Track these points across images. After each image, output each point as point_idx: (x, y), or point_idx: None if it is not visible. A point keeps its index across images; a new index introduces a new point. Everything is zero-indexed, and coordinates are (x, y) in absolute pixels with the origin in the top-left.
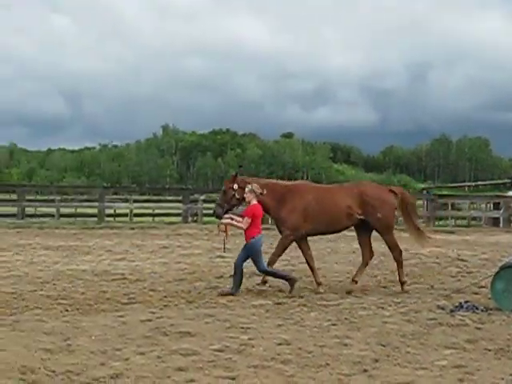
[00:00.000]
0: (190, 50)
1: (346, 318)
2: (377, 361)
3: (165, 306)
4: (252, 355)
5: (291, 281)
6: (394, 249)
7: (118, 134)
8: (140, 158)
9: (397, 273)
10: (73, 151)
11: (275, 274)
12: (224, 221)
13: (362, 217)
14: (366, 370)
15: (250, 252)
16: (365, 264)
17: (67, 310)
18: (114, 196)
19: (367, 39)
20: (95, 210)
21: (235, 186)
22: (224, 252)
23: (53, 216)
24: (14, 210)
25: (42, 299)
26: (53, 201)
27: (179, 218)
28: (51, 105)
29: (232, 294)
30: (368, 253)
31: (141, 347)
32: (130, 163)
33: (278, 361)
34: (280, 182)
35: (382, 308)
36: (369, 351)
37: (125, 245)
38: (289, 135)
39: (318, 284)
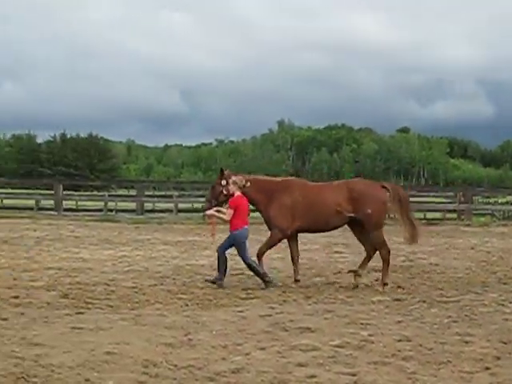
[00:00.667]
0: (306, 44)
1: (466, 315)
2: (499, 358)
3: (284, 301)
4: (372, 351)
5: (266, 282)
6: (382, 247)
7: (234, 129)
8: (256, 153)
9: (381, 273)
10: (190, 147)
11: (255, 269)
12: (208, 212)
13: (351, 214)
14: (488, 368)
15: (233, 242)
16: (368, 258)
17: (187, 305)
18: None
19: (483, 31)
20: None
21: (223, 182)
22: (212, 241)
23: (171, 211)
24: (132, 205)
25: (163, 294)
26: (171, 196)
27: None
28: (169, 101)
29: (215, 282)
30: (370, 247)
31: (261, 342)
32: (246, 158)
33: (399, 357)
34: (269, 178)
35: (503, 305)
36: (490, 348)
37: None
38: (405, 130)
39: (296, 281)
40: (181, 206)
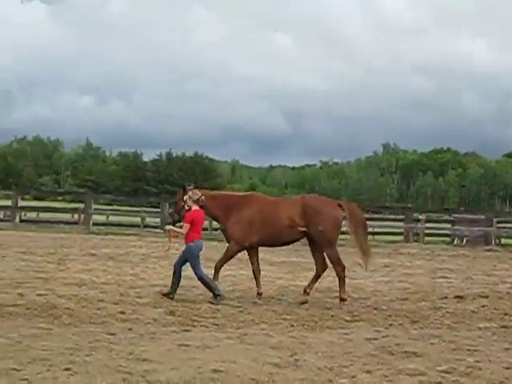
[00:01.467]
0: (411, 66)
1: None
2: None
3: (390, 325)
4: (479, 378)
5: (216, 296)
6: (336, 264)
7: (338, 151)
8: (360, 175)
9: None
10: (293, 168)
11: (206, 282)
12: (168, 227)
13: (304, 229)
14: None
15: (187, 255)
16: (317, 276)
17: (292, 326)
18: None
19: None
20: None
21: (185, 198)
22: (166, 252)
23: None
24: None
25: (268, 314)
26: None
27: (400, 237)
28: (273, 122)
29: (169, 295)
30: (320, 266)
31: (367, 365)
32: (350, 181)
33: None
34: (230, 193)
35: None
36: None
37: (346, 262)
38: (511, 155)
39: (259, 294)
40: None
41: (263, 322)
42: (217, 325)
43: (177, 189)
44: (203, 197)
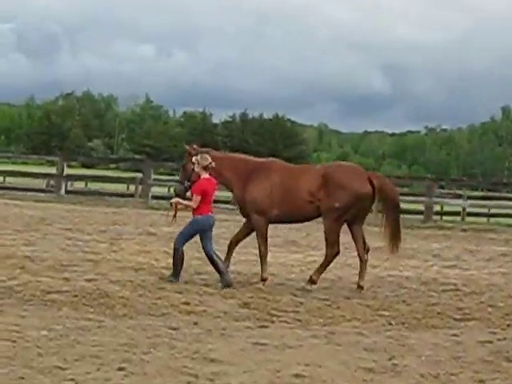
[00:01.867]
0: None
1: None
2: None
3: (508, 325)
4: None
5: (223, 279)
6: (331, 245)
7: (448, 116)
8: (473, 145)
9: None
10: (393, 135)
11: (216, 263)
12: (173, 200)
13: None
14: None
15: (196, 228)
16: (364, 263)
17: (390, 324)
18: (442, 190)
19: None
20: (419, 206)
21: (194, 160)
22: (170, 225)
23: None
24: None
25: (360, 309)
26: None
27: None
28: (368, 79)
29: (171, 280)
30: (361, 248)
31: (479, 373)
32: (461, 151)
33: None
34: (247, 157)
35: None
36: None
37: (455, 249)
38: None
39: (263, 279)
40: None
41: (355, 318)
42: (299, 320)
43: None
44: (213, 162)
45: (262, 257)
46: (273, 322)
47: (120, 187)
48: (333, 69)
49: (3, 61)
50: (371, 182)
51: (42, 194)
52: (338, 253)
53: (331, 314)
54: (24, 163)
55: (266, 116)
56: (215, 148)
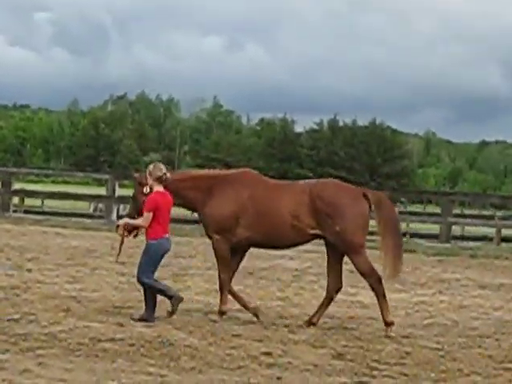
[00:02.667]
0: None
1: None
2: None
3: None
4: None
5: (171, 298)
6: (369, 274)
7: None
8: None
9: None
10: None
11: (155, 288)
12: (120, 222)
13: (315, 231)
14: None
15: (152, 255)
16: (328, 299)
17: None
18: None
19: None
20: None
21: (145, 190)
22: (116, 261)
23: (490, 239)
24: (434, 228)
25: (482, 361)
26: (490, 217)
27: None
28: (486, 79)
29: (147, 320)
30: (333, 283)
31: None
32: None
33: None
34: (213, 171)
35: None
36: None
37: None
38: None
39: (221, 312)
40: (505, 232)
41: (475, 372)
42: (406, 375)
43: (344, 174)
44: (169, 173)
45: (222, 287)
46: (374, 376)
47: (184, 212)
48: (442, 65)
49: (39, 57)
50: (366, 198)
51: (89, 220)
52: (380, 278)
53: (445, 366)
54: (66, 182)
55: (360, 123)
56: (299, 163)
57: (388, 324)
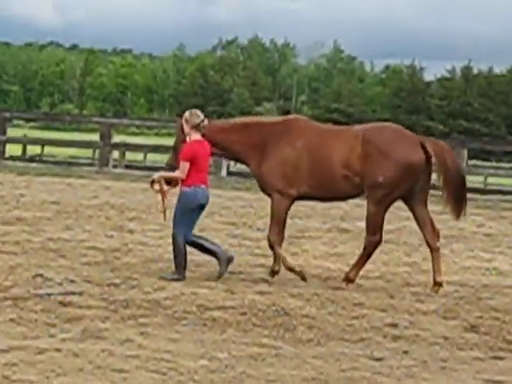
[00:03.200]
0: None
1: None
2: None
3: None
4: None
5: (221, 259)
6: (372, 232)
7: None
8: None
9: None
10: None
11: (178, 254)
12: (155, 176)
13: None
14: None
15: (183, 204)
16: (437, 251)
17: None
18: None
19: None
20: None
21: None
22: (164, 220)
23: None
24: None
25: None
26: None
27: None
28: None
29: (178, 280)
30: (429, 234)
31: None
32: None
33: None
34: (260, 119)
35: None
36: None
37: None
38: None
39: (273, 272)
40: None
41: None
42: None
43: (479, 126)
44: (206, 121)
45: (275, 246)
46: (511, 351)
47: None
48: None
49: None
50: (424, 148)
51: None
52: (379, 242)
53: None
54: (170, 135)
55: (497, 71)
56: (428, 115)
57: (349, 279)
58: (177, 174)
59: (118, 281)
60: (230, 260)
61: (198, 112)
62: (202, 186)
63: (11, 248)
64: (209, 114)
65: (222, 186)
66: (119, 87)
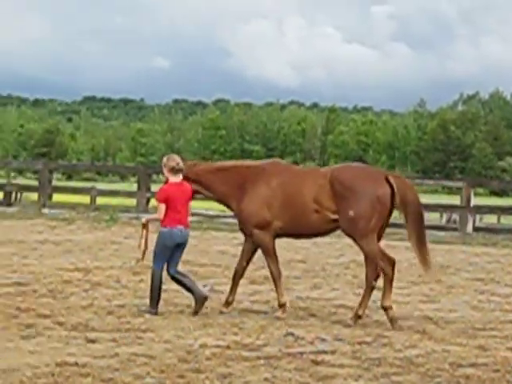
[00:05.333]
0: None
1: None
2: None
3: None
4: None
5: (197, 296)
6: (375, 259)
7: None
8: None
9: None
10: None
11: (181, 282)
12: (143, 219)
13: (335, 216)
14: None
15: (160, 243)
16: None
17: None
18: None
19: None
20: None
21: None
22: (142, 260)
23: None
24: None
25: None
26: None
27: None
28: None
29: (151, 313)
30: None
31: None
32: None
33: None
34: (240, 163)
35: None
36: None
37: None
38: None
39: (227, 303)
40: None
41: None
42: None
43: None
44: (181, 164)
45: (275, 279)
46: None
47: None
48: None
49: (378, 55)
50: (389, 183)
51: (442, 233)
52: (393, 261)
53: None
54: None
55: None
56: None
57: (385, 308)
58: (155, 215)
59: (368, 339)
60: (205, 299)
61: (175, 156)
62: (179, 227)
63: (261, 307)
64: (450, 169)
65: (468, 241)
66: (361, 144)
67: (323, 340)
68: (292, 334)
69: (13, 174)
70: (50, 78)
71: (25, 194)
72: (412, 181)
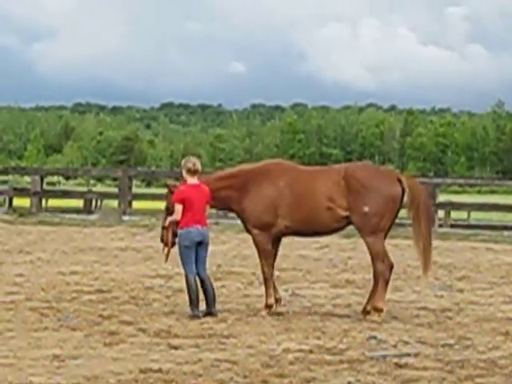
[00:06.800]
0: None
1: None
2: None
3: None
4: None
5: (207, 309)
6: (380, 258)
7: None
8: None
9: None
10: None
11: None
12: (166, 221)
13: (347, 213)
14: None
15: (181, 244)
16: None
17: None
18: None
19: None
20: None
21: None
22: (166, 262)
23: None
24: None
25: None
26: None
27: None
28: None
29: (193, 317)
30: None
31: None
32: None
33: None
34: (244, 166)
35: None
36: None
37: None
38: None
39: (268, 306)
40: None
41: None
42: None
43: None
44: (198, 165)
45: (266, 280)
46: None
47: None
48: None
49: (455, 56)
50: (400, 182)
51: None
52: (392, 265)
53: None
54: (493, 192)
55: None
56: None
57: (378, 310)
58: (173, 216)
59: (451, 341)
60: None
61: (193, 158)
62: (196, 226)
63: (343, 311)
64: None
65: None
66: (439, 146)
67: (406, 343)
68: (375, 338)
69: (92, 182)
70: (128, 85)
71: (105, 202)
72: (491, 182)
